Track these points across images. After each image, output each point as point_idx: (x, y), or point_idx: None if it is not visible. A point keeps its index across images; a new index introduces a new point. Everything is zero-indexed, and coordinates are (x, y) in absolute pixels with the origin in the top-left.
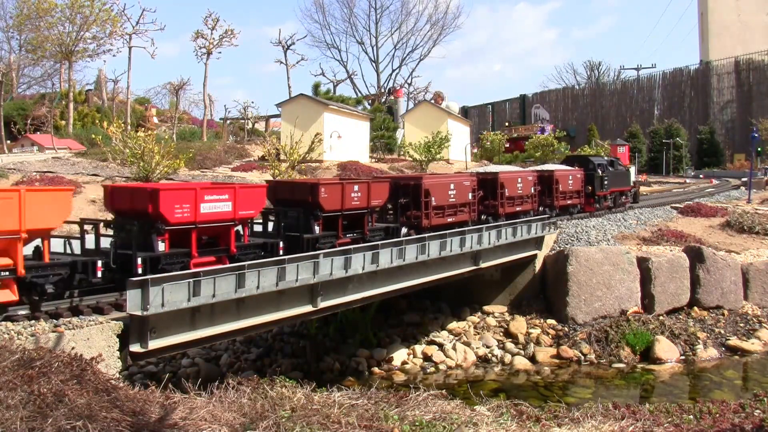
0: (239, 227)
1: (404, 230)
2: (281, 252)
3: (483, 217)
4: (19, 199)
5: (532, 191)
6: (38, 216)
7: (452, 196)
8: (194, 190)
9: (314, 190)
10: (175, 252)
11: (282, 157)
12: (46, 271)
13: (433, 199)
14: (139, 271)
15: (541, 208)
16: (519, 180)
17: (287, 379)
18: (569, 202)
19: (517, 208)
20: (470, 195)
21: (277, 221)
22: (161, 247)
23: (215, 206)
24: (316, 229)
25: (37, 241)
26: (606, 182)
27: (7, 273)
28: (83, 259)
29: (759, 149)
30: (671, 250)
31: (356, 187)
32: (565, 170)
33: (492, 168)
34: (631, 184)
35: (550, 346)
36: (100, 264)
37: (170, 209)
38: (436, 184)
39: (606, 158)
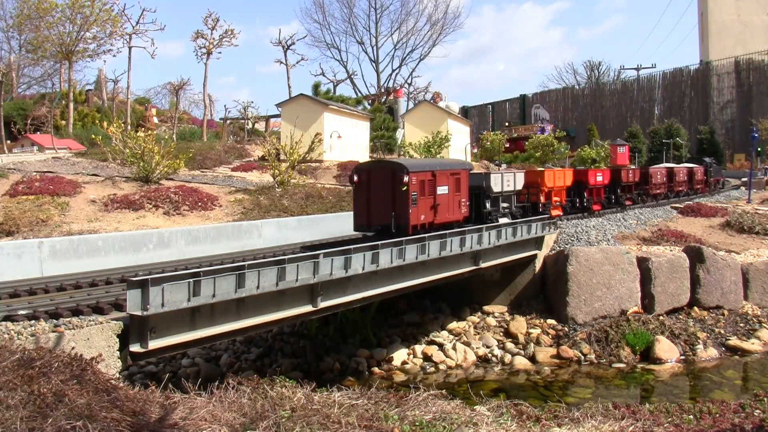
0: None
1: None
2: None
3: (659, 191)
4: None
5: (686, 178)
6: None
7: (678, 177)
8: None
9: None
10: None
11: (282, 157)
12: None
13: (675, 176)
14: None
15: (684, 190)
16: (682, 172)
17: (287, 379)
18: (698, 186)
19: (681, 189)
20: (686, 177)
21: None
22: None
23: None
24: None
25: None
26: (712, 174)
27: (559, 203)
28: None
29: (759, 149)
30: (671, 250)
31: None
32: (697, 167)
33: (669, 165)
34: (721, 175)
35: (550, 346)
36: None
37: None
38: (677, 170)
39: (708, 159)
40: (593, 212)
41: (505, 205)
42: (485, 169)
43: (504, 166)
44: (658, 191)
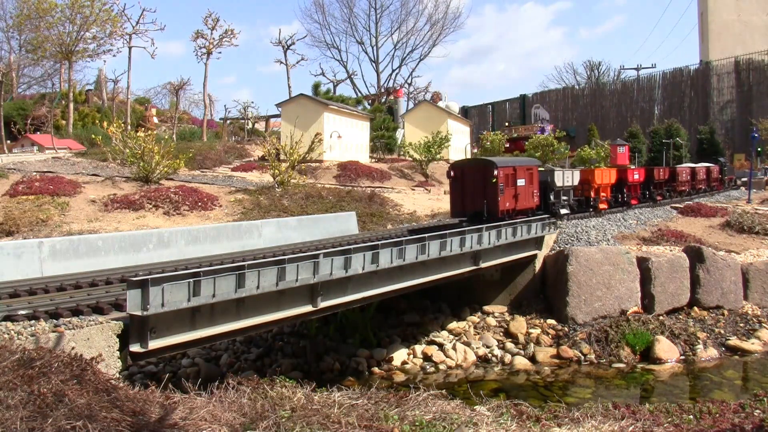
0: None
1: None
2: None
3: (684, 188)
4: (610, 172)
5: (705, 177)
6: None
7: (699, 175)
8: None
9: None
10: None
11: (282, 157)
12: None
13: (696, 175)
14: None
15: (703, 187)
16: (702, 171)
17: (287, 379)
18: (714, 183)
19: (701, 186)
20: (705, 176)
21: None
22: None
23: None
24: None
25: None
26: (726, 173)
27: (605, 197)
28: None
29: (759, 149)
30: (671, 250)
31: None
32: (713, 166)
33: (692, 165)
34: (734, 174)
35: (550, 346)
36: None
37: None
38: (698, 169)
39: (723, 159)
40: (631, 206)
41: (565, 197)
42: None
43: None
44: (683, 188)
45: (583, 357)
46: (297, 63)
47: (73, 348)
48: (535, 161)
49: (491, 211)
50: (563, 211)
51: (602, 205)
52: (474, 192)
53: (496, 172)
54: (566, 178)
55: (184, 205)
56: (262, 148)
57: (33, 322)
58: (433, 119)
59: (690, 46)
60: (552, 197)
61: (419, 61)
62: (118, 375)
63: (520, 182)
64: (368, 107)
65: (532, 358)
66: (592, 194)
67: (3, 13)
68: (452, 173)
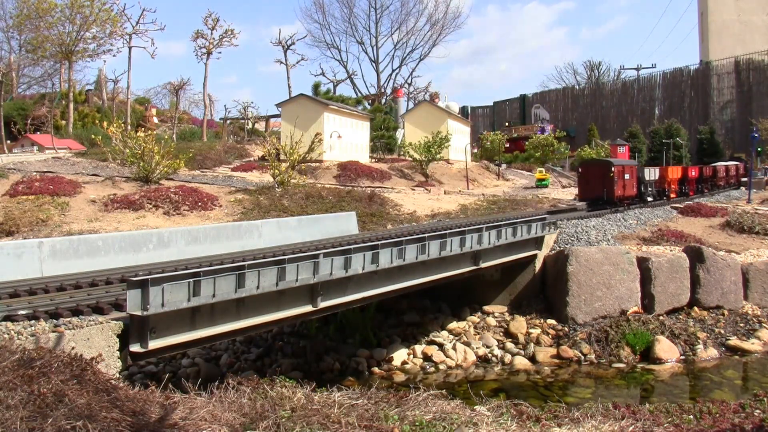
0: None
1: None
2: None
3: (722, 183)
4: (678, 169)
5: (735, 173)
6: (676, 174)
7: (731, 171)
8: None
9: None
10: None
11: (282, 157)
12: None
13: (729, 171)
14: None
15: (733, 181)
16: (732, 168)
17: (287, 379)
18: (742, 179)
19: (731, 180)
20: (735, 172)
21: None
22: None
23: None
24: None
25: None
26: (747, 170)
27: (674, 189)
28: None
29: (759, 149)
30: (671, 250)
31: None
32: (740, 164)
33: (726, 163)
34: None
35: (550, 346)
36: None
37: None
38: (730, 166)
39: (744, 158)
40: (689, 196)
41: (650, 189)
42: (485, 168)
43: (504, 166)
44: (720, 182)
45: (583, 357)
46: (297, 63)
47: (73, 348)
48: (635, 162)
49: (609, 197)
50: (649, 198)
51: (672, 195)
52: (596, 183)
53: (613, 169)
54: (652, 174)
55: (184, 205)
56: (262, 148)
57: (33, 322)
58: (433, 119)
59: (690, 46)
60: (643, 188)
61: (419, 61)
62: (118, 375)
63: (627, 176)
64: (368, 107)
65: (532, 358)
66: (665, 187)
67: (3, 13)
68: (580, 169)
